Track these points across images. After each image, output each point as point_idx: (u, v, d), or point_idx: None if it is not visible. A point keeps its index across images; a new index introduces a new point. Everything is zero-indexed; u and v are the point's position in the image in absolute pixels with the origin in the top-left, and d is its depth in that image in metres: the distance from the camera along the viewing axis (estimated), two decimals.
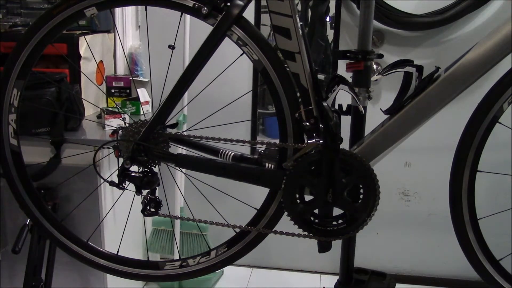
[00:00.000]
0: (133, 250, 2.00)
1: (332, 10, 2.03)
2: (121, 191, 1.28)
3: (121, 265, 1.37)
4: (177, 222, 2.10)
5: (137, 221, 1.93)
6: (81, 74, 1.87)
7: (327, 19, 2.08)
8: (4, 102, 1.28)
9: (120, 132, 1.27)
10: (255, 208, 1.26)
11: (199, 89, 1.38)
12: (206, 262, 1.31)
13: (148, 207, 1.26)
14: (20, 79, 1.27)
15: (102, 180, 1.40)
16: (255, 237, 1.26)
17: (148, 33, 1.51)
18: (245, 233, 1.27)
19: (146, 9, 1.25)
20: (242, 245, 1.28)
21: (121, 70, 2.22)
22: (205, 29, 1.16)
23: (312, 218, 1.18)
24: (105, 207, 1.71)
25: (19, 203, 1.37)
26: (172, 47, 1.26)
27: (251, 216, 1.26)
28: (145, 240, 2.15)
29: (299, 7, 2.11)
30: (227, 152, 1.22)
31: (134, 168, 1.27)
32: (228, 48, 1.19)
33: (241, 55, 1.18)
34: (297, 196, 1.17)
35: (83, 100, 1.82)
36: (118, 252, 1.39)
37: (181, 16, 1.22)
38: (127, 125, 1.27)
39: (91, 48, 1.90)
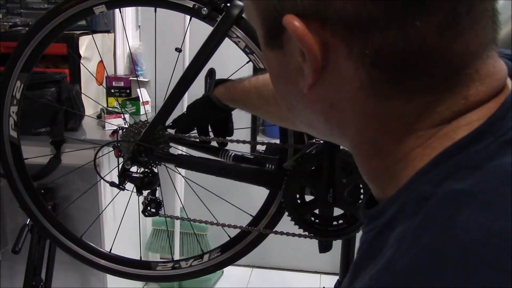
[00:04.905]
0: (133, 249, 2.00)
1: None
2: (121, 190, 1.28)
3: (117, 264, 1.37)
4: (177, 222, 2.10)
5: (137, 221, 1.93)
6: (81, 74, 1.87)
7: None
8: (7, 93, 1.27)
9: (120, 132, 1.27)
10: (250, 215, 1.25)
11: (199, 90, 1.38)
12: (199, 265, 1.30)
13: (148, 208, 1.26)
14: (24, 71, 1.26)
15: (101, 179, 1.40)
16: (248, 243, 1.25)
17: (154, 34, 1.50)
18: (238, 239, 1.26)
19: (155, 10, 1.23)
20: (235, 250, 1.27)
21: (121, 70, 2.22)
22: (205, 29, 1.16)
23: (312, 218, 1.18)
24: (105, 207, 1.71)
25: (19, 202, 1.37)
26: (178, 50, 1.26)
27: (250, 217, 1.26)
28: (145, 239, 2.15)
29: None
30: (227, 152, 1.22)
31: (134, 168, 1.27)
32: (228, 49, 1.19)
33: (247, 62, 1.17)
34: (298, 196, 1.17)
35: (83, 100, 1.82)
36: (111, 250, 1.38)
37: (190, 20, 1.21)
38: (127, 125, 1.27)
39: (91, 48, 1.90)
